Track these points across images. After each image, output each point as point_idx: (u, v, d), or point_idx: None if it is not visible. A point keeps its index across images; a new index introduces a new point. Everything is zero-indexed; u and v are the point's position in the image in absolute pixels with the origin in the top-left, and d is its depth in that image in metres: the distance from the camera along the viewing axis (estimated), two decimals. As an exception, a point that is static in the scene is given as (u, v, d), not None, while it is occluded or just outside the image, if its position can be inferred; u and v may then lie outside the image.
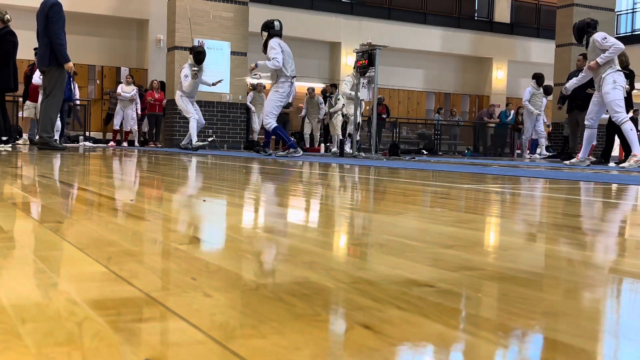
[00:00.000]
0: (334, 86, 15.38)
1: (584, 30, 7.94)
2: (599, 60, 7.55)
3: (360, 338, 0.62)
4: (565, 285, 0.93)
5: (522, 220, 1.94)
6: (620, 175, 5.69)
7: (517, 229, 1.67)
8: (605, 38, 7.62)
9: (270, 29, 8.72)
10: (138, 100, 14.72)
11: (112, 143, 14.67)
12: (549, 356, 0.60)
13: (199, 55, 10.66)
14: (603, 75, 7.56)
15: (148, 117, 14.92)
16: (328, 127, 15.49)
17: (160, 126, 14.97)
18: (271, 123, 8.76)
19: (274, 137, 9.60)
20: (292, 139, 9.17)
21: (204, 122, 11.28)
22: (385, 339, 0.62)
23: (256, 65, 8.70)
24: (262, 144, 9.75)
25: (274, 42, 8.54)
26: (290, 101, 9.26)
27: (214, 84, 10.96)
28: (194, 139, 10.98)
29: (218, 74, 12.98)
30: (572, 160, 8.45)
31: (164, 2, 14.99)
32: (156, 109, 14.60)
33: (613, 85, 7.50)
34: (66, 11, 16.07)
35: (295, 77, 8.80)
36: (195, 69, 10.62)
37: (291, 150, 8.77)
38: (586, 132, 8.06)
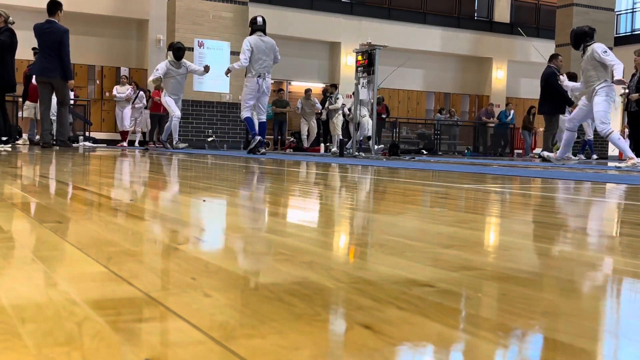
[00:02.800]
0: (334, 86, 15.38)
1: (582, 38, 8.01)
2: (615, 78, 7.62)
3: (360, 338, 0.62)
4: (565, 285, 0.93)
5: (522, 220, 1.94)
6: (621, 175, 5.70)
7: (516, 228, 1.67)
8: (606, 52, 7.71)
9: (253, 25, 9.27)
10: (144, 100, 14.68)
11: (124, 144, 14.66)
12: (549, 356, 0.60)
13: (178, 52, 10.79)
14: (597, 88, 7.70)
15: (151, 117, 14.90)
16: (328, 127, 15.50)
17: (163, 126, 14.96)
18: (242, 113, 9.53)
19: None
20: (256, 131, 9.95)
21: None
22: (385, 338, 0.62)
23: (229, 70, 9.60)
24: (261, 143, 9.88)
25: (244, 42, 9.21)
26: (267, 94, 9.76)
27: (205, 70, 10.98)
28: (175, 138, 11.17)
29: (218, 73, 13.01)
30: (551, 155, 8.89)
31: (163, 2, 14.99)
32: (160, 109, 14.60)
33: (605, 98, 7.66)
34: (66, 11, 16.06)
35: (260, 75, 9.31)
36: (176, 69, 10.75)
37: (255, 139, 9.49)
38: (567, 135, 8.39)
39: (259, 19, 9.28)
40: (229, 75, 9.73)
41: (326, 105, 14.99)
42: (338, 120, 14.77)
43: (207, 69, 10.96)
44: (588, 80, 7.84)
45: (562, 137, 8.82)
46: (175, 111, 10.95)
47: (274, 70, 18.97)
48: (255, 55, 9.13)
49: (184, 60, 11.03)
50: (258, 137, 9.48)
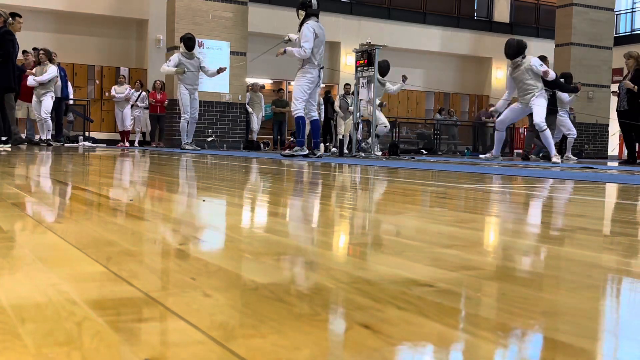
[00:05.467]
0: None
1: (521, 50, 9.12)
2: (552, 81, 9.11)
3: (359, 338, 0.62)
4: (565, 285, 0.93)
5: (522, 219, 1.94)
6: (621, 175, 5.70)
7: (516, 228, 1.67)
8: (542, 64, 9.01)
9: (308, 8, 8.20)
10: (146, 100, 14.67)
11: (126, 143, 14.63)
12: (548, 356, 0.60)
13: (188, 42, 10.74)
14: (537, 94, 8.94)
15: (149, 117, 14.91)
16: (327, 126, 15.50)
17: (162, 126, 14.95)
18: (298, 110, 8.34)
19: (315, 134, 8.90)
20: (304, 138, 8.65)
21: (196, 117, 11.32)
22: (385, 338, 0.62)
23: (284, 52, 8.29)
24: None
25: (308, 28, 8.12)
26: (320, 88, 8.73)
27: (218, 72, 10.84)
28: (183, 139, 11.10)
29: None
30: (487, 155, 9.86)
31: (163, 2, 14.98)
32: (157, 110, 14.60)
33: (544, 102, 9.02)
34: (65, 11, 15.99)
35: (322, 67, 8.38)
36: (188, 60, 10.70)
37: (296, 148, 8.48)
38: (498, 135, 9.68)
39: (314, 2, 8.17)
40: (284, 53, 8.33)
41: (337, 105, 14.91)
42: (350, 121, 14.80)
43: (220, 71, 10.79)
44: (527, 88, 8.96)
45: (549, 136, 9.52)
46: (186, 112, 10.95)
47: (272, 70, 18.87)
48: (316, 43, 8.13)
49: (196, 53, 10.96)
50: (305, 151, 8.44)
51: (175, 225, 1.52)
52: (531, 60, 8.98)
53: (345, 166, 6.12)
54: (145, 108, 14.88)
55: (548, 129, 9.03)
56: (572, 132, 11.86)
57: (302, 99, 8.32)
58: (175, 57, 10.85)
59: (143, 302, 0.74)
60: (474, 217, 1.90)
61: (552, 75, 9.03)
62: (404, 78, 9.75)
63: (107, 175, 3.77)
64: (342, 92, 15.48)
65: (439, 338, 0.63)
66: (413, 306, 0.75)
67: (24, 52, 12.02)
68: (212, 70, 10.98)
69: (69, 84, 13.23)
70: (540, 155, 11.00)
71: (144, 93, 14.78)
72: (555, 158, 9.20)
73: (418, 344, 0.62)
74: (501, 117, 9.51)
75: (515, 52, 9.09)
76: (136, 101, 14.56)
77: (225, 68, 11.02)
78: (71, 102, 13.90)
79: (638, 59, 9.77)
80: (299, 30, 8.28)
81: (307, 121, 8.56)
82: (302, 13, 8.27)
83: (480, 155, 10.53)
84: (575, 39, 17.58)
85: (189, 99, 10.92)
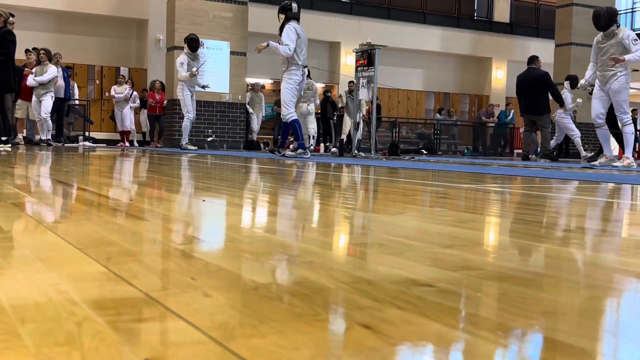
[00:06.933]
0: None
1: (614, 20, 7.70)
2: (629, 57, 7.44)
3: (359, 338, 0.62)
4: (565, 285, 0.93)
5: (521, 220, 1.94)
6: (620, 175, 5.69)
7: (516, 228, 1.67)
8: (636, 39, 7.52)
9: (288, 12, 8.47)
10: (137, 99, 14.67)
11: (126, 143, 14.61)
12: (548, 356, 0.60)
13: (192, 43, 10.78)
14: (620, 74, 7.55)
15: (148, 117, 14.91)
16: (327, 126, 15.47)
17: (162, 126, 14.95)
18: (291, 114, 8.37)
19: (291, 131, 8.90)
20: (303, 140, 8.70)
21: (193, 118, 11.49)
22: (385, 338, 0.62)
23: (267, 45, 8.35)
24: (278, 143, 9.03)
25: (289, 28, 8.29)
26: (301, 93, 8.83)
27: (203, 87, 11.16)
28: (184, 138, 11.15)
29: (217, 73, 13.06)
30: (601, 160, 8.23)
31: (163, 2, 14.98)
32: (156, 110, 14.59)
33: (625, 85, 7.54)
34: (65, 11, 15.98)
35: (306, 66, 8.55)
36: (192, 60, 10.83)
37: (300, 150, 8.44)
38: (600, 132, 8.02)
39: (294, 5, 8.48)
40: (267, 46, 8.41)
41: (345, 102, 14.82)
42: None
43: (204, 87, 11.11)
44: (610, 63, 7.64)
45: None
46: (189, 112, 11.02)
47: (272, 70, 18.85)
48: (299, 44, 8.30)
49: (200, 53, 11.07)
50: (308, 154, 8.55)
51: (175, 225, 1.52)
52: (628, 32, 7.62)
53: (345, 166, 6.12)
54: (143, 108, 14.86)
55: (631, 125, 7.75)
56: (575, 133, 11.76)
57: (292, 101, 8.42)
58: (184, 58, 10.87)
59: (143, 302, 0.74)
60: (474, 217, 1.90)
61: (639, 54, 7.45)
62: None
63: (107, 175, 3.77)
64: (346, 89, 15.32)
65: (439, 338, 0.63)
66: (413, 306, 0.75)
67: (27, 51, 12.00)
68: (200, 80, 11.15)
69: (74, 85, 13.22)
70: (540, 155, 10.99)
71: (135, 92, 14.76)
72: (604, 159, 8.05)
73: (418, 344, 0.62)
74: (593, 112, 7.90)
75: (606, 22, 7.65)
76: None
77: (209, 87, 11.42)
78: (75, 102, 13.89)
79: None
80: (280, 34, 8.42)
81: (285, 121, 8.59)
82: (282, 16, 8.46)
83: (594, 163, 8.62)
84: (575, 39, 17.56)
85: (191, 99, 11.02)
